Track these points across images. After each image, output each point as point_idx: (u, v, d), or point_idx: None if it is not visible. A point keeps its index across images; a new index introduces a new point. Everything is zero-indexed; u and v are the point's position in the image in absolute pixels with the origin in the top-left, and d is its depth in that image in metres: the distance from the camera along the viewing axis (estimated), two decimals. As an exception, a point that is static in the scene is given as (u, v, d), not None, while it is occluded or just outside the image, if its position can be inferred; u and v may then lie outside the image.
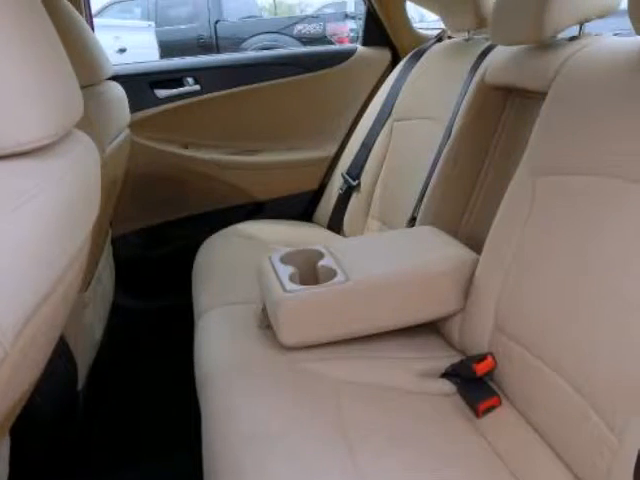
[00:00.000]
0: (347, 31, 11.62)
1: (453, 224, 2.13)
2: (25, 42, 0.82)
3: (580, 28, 1.83)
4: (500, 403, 1.52)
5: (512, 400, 1.53)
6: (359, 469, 1.28)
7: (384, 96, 2.90)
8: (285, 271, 1.75)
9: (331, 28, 11.78)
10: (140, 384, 2.64)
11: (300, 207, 3.25)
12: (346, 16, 11.92)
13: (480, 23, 2.39)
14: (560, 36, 1.86)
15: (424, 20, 7.17)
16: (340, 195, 2.92)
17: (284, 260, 1.84)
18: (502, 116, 2.11)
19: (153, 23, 12.17)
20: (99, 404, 2.47)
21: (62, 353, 1.81)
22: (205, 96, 3.08)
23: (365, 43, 3.38)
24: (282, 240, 2.63)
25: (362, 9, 3.39)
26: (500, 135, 2.10)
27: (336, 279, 1.68)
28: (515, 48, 2.03)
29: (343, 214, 2.89)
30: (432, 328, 1.87)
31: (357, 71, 3.29)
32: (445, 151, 2.18)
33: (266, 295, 1.73)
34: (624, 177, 1.32)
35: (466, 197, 2.14)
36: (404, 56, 3.01)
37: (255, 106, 3.19)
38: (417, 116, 2.60)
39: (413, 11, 4.17)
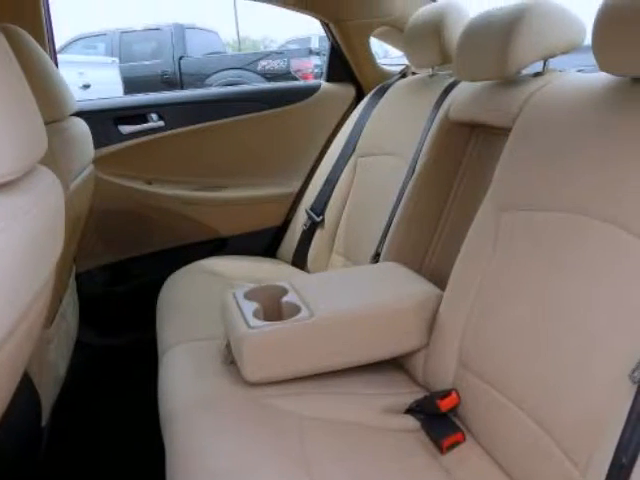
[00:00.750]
0: (311, 67, 11.68)
1: (417, 260, 2.14)
2: None
3: (544, 64, 1.85)
4: (464, 439, 1.52)
5: (476, 436, 1.53)
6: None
7: (348, 132, 2.91)
8: (249, 307, 1.75)
9: (295, 64, 11.83)
10: (104, 421, 2.62)
11: (264, 243, 3.25)
12: (310, 52, 11.98)
13: (444, 59, 2.41)
14: (524, 72, 1.88)
15: (388, 56, 7.22)
16: (304, 231, 2.92)
17: (248, 296, 1.83)
18: (466, 152, 2.12)
19: (117, 59, 12.18)
20: (63, 441, 2.44)
21: (26, 389, 1.80)
22: (169, 132, 3.07)
23: (329, 79, 3.39)
24: (246, 276, 2.62)
25: (326, 45, 3.42)
26: (464, 171, 2.11)
27: (300, 315, 1.68)
28: (479, 84, 2.05)
29: (307, 250, 2.88)
30: (396, 364, 1.87)
31: (321, 107, 3.31)
32: (409, 187, 2.19)
33: (230, 331, 1.73)
34: (587, 213, 1.34)
35: (430, 233, 2.15)
36: (368, 92, 3.03)
37: (219, 142, 3.19)
38: (381, 152, 2.61)
39: (377, 47, 4.19)
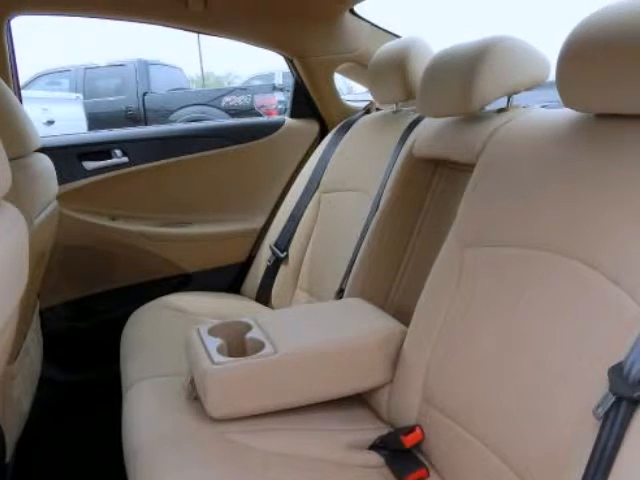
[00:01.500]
0: (275, 103, 11.73)
1: (381, 296, 2.14)
2: None
3: (508, 100, 1.87)
4: (428, 475, 1.52)
5: (440, 472, 1.53)
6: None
7: (312, 168, 2.92)
8: (213, 343, 1.74)
9: (259, 100, 11.88)
10: (68, 457, 2.59)
11: (228, 279, 3.24)
12: (274, 88, 12.04)
13: (408, 95, 2.42)
14: (488, 108, 1.89)
15: (352, 92, 7.27)
16: (268, 267, 2.92)
17: (212, 332, 1.83)
18: (430, 188, 2.13)
19: (81, 95, 12.17)
20: (27, 477, 2.41)
21: (-11, 425, 1.78)
22: (133, 168, 3.06)
23: (293, 115, 3.41)
24: (210, 312, 2.62)
25: (290, 81, 3.43)
26: (428, 207, 2.13)
27: (264, 351, 1.67)
28: (443, 120, 2.06)
29: (271, 286, 2.88)
30: (361, 400, 1.86)
31: (285, 143, 3.32)
32: (373, 223, 2.20)
33: (194, 367, 1.72)
34: (551, 249, 1.35)
35: (394, 269, 2.15)
36: (332, 128, 3.05)
37: (183, 178, 3.18)
38: (345, 188, 2.63)
39: (341, 83, 4.22)
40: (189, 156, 3.17)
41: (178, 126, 3.41)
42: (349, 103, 3.35)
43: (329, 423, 1.74)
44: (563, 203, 1.36)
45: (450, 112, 1.92)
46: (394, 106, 2.62)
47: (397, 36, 3.02)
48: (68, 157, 2.92)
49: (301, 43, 3.05)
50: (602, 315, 1.20)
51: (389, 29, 3.08)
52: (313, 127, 3.36)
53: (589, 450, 1.10)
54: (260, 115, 11.24)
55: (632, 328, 1.12)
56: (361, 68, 3.12)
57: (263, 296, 2.92)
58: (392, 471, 1.55)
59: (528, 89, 1.85)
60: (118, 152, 3.04)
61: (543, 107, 1.87)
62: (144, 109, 12.70)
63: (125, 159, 3.05)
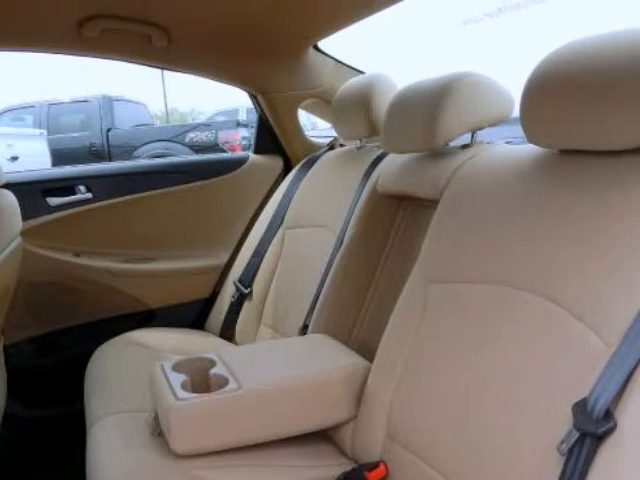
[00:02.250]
0: (239, 139, 11.75)
1: (345, 332, 2.14)
2: None
3: (472, 136, 1.88)
4: (392, 510, 1.53)
5: (404, 507, 1.53)
6: None
7: (276, 204, 2.93)
8: (177, 379, 1.74)
9: (223, 136, 11.89)
10: None
11: (192, 315, 3.23)
12: (238, 124, 12.05)
13: (372, 131, 2.43)
14: (452, 144, 1.90)
15: (316, 128, 7.29)
16: (232, 303, 2.91)
17: (176, 368, 1.82)
18: (394, 224, 2.14)
19: (45, 131, 12.14)
20: None
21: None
22: (97, 204, 3.05)
23: (257, 151, 3.41)
24: (174, 348, 2.60)
25: (254, 117, 3.44)
26: (392, 243, 2.13)
27: (228, 387, 1.67)
28: (407, 156, 2.07)
29: (235, 322, 2.87)
30: (325, 436, 1.86)
31: (249, 179, 3.32)
32: (337, 259, 2.20)
33: (158, 403, 1.71)
34: (514, 285, 1.36)
35: (358, 305, 2.16)
36: (296, 164, 3.06)
37: (147, 214, 3.18)
38: (309, 224, 2.63)
39: (305, 119, 4.23)
40: (153, 192, 3.16)
41: (142, 162, 3.41)
42: (313, 139, 3.36)
43: (293, 459, 1.73)
44: (527, 239, 1.37)
45: (414, 148, 1.94)
46: (358, 142, 2.64)
47: (361, 72, 3.04)
48: (32, 193, 2.91)
49: (265, 79, 3.07)
50: (566, 351, 1.21)
51: (353, 65, 3.10)
52: (277, 163, 3.36)
53: None
54: (224, 151, 11.25)
55: (595, 364, 1.13)
56: (325, 104, 3.13)
57: (227, 332, 2.91)
58: (356, 507, 1.55)
59: (492, 125, 1.87)
60: (82, 188, 3.03)
61: (507, 143, 1.89)
62: (108, 145, 12.69)
63: (89, 195, 3.04)
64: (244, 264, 2.92)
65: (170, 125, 18.40)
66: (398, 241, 2.13)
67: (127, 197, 3.11)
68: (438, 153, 1.92)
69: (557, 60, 1.35)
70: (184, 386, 1.71)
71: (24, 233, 2.51)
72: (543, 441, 1.19)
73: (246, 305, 2.85)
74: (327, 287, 2.20)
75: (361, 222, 2.18)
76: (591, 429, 1.07)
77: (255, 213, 3.24)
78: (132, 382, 2.20)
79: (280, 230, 2.84)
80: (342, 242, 2.25)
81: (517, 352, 1.30)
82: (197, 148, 12.01)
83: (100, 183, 3.08)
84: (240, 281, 2.90)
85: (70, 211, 2.99)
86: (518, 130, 1.49)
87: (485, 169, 1.65)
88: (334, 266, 2.21)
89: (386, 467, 1.58)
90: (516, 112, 1.51)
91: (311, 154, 3.03)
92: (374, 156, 2.41)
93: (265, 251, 2.85)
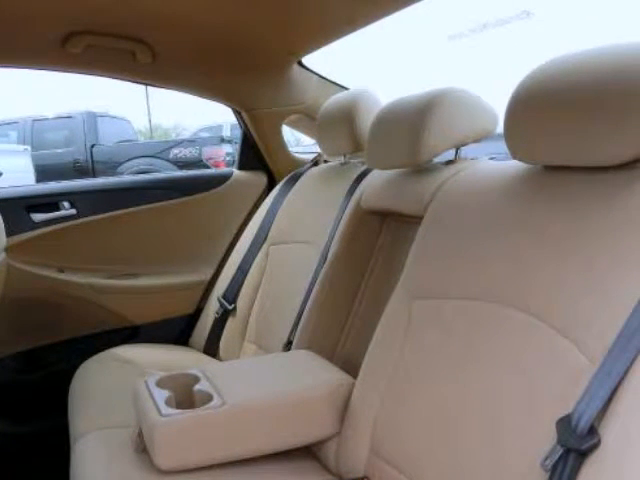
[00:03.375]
0: (223, 155, 11.76)
1: (329, 348, 2.14)
2: None
3: (456, 152, 1.89)
4: (375, 525, 1.52)
5: (388, 523, 1.53)
6: None
7: (260, 220, 2.93)
8: (161, 395, 1.73)
9: (207, 152, 11.91)
10: None
11: (176, 331, 3.22)
12: (222, 140, 12.09)
13: (356, 147, 2.43)
14: (436, 160, 1.90)
15: (301, 144, 7.30)
16: (216, 319, 2.90)
17: (160, 384, 1.82)
18: (378, 240, 2.14)
19: (29, 147, 12.12)
20: None
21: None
22: (81, 220, 3.05)
23: (241, 167, 3.41)
24: (158, 364, 2.59)
25: (238, 133, 3.44)
26: (376, 259, 2.14)
27: (212, 403, 1.67)
28: (391, 172, 2.07)
29: (219, 338, 2.86)
30: (309, 451, 1.85)
31: (233, 195, 3.32)
32: (321, 275, 2.21)
33: (142, 419, 1.71)
34: (498, 301, 1.36)
35: (342, 321, 2.16)
36: (280, 180, 3.06)
37: (131, 230, 3.17)
38: (293, 240, 2.64)
39: (289, 135, 4.24)
40: (137, 208, 3.16)
41: (126, 178, 3.40)
42: (297, 155, 3.37)
43: (277, 475, 1.73)
44: (511, 255, 1.37)
45: (398, 164, 1.94)
46: (342, 158, 2.65)
47: (345, 88, 3.05)
48: (16, 209, 2.90)
49: (249, 95, 3.08)
50: (550, 367, 1.21)
51: (337, 80, 3.11)
52: (261, 179, 3.36)
53: None
54: (208, 167, 11.25)
55: (579, 380, 1.13)
56: (309, 120, 3.14)
57: (211, 348, 2.90)
58: (339, 522, 1.55)
59: (476, 141, 1.87)
60: (66, 204, 3.02)
61: (491, 159, 1.89)
62: (92, 161, 12.69)
63: (73, 211, 3.03)
64: (228, 280, 2.92)
65: (154, 141, 18.39)
66: (382, 257, 2.13)
67: (111, 213, 3.10)
68: (422, 169, 1.93)
69: (541, 76, 1.36)
70: (168, 402, 1.70)
71: (8, 249, 2.50)
72: (527, 457, 1.19)
73: (230, 321, 2.84)
74: (311, 303, 2.20)
75: (345, 238, 2.18)
76: (575, 445, 1.07)
77: (239, 229, 3.24)
78: (116, 398, 2.19)
79: (264, 246, 2.84)
80: (326, 258, 2.25)
81: (501, 368, 1.31)
82: (181, 164, 12.02)
83: (84, 199, 3.07)
84: (224, 297, 2.90)
85: (54, 227, 2.99)
86: (502, 146, 1.49)
87: (469, 185, 1.65)
88: (318, 282, 2.21)
89: (370, 483, 1.58)
90: (500, 128, 1.52)
91: (295, 170, 3.03)
92: (358, 172, 2.42)
93: (249, 267, 2.85)
